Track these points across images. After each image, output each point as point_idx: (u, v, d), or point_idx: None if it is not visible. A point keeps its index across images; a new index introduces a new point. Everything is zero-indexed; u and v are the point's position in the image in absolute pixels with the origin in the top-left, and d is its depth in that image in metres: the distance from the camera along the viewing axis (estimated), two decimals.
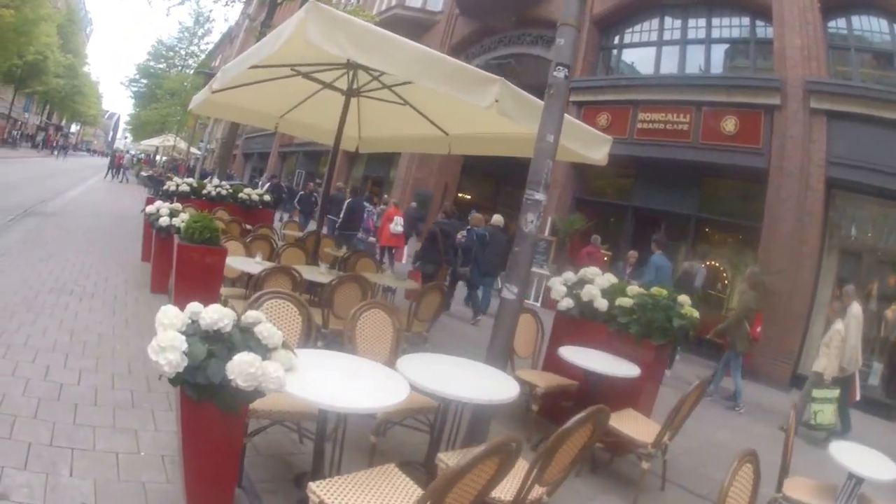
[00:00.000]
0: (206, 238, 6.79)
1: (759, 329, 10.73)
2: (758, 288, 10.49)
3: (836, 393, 8.19)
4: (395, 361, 4.15)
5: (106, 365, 5.81)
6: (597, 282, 6.73)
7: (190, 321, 3.28)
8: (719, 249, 16.01)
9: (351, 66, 7.49)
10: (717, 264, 15.41)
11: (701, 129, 15.39)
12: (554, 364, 6.37)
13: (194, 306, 3.32)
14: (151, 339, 3.06)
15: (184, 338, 3.07)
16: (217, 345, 3.20)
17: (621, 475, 5.75)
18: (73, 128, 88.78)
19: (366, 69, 7.25)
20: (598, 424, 3.46)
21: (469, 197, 26.82)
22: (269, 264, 7.34)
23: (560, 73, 5.04)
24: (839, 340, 8.63)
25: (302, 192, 20.56)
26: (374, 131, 10.61)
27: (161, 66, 51.61)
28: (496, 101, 4.97)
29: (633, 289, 6.49)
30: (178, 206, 9.40)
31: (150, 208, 9.41)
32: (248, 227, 12.08)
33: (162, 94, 47.02)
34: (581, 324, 6.60)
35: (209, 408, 3.17)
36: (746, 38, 16.30)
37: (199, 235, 6.74)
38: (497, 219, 13.72)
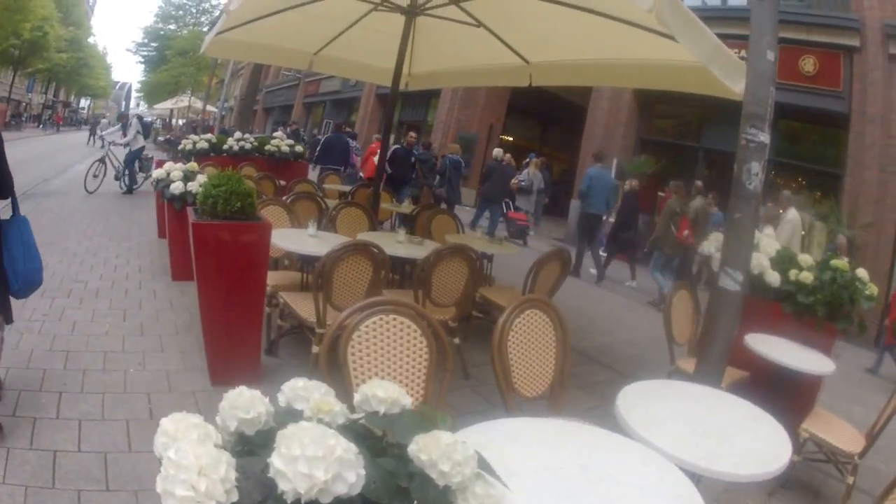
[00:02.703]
0: (235, 209, 4.25)
1: (686, 232, 10.79)
2: (679, 193, 11.05)
3: None
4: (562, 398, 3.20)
5: (115, 407, 3.85)
6: (763, 247, 5.34)
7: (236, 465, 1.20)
8: (798, 196, 14.39)
9: None
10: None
11: (777, 68, 13.82)
12: None
13: (244, 412, 1.34)
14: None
15: None
16: None
17: (804, 483, 4.62)
18: (84, 102, 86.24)
19: None
20: None
21: (511, 139, 25.32)
22: (332, 238, 5.38)
23: None
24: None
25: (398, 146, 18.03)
26: (429, 64, 8.75)
27: (171, 26, 49.54)
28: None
29: (807, 259, 5.26)
30: (193, 164, 7.24)
31: (158, 172, 7.21)
32: (282, 182, 10.04)
33: (172, 55, 44.98)
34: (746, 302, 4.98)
35: None
36: None
37: (224, 206, 4.19)
38: (497, 152, 15.30)
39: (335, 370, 2.44)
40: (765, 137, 3.90)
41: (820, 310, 4.95)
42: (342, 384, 2.44)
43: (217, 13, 47.44)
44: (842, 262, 5.19)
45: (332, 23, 7.43)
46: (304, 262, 5.33)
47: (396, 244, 5.53)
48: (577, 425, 2.47)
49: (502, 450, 1.89)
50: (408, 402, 1.48)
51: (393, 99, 7.83)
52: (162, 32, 50.19)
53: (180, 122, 46.79)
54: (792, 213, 9.12)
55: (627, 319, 9.34)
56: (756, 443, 2.51)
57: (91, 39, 61.92)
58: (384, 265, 4.43)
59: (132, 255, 8.13)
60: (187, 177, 6.86)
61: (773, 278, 5.10)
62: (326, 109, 37.14)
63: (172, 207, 6.84)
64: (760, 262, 5.14)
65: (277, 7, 6.32)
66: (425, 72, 8.87)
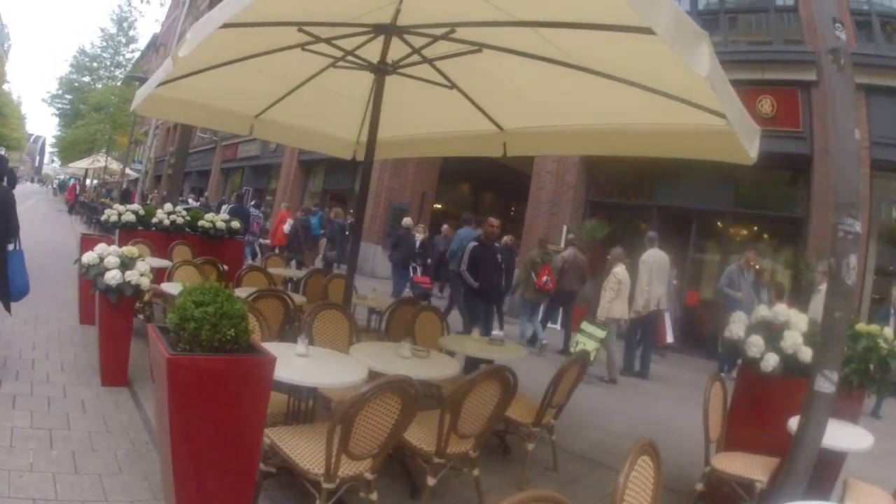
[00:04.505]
0: (227, 338, 3.12)
1: (545, 279, 11.80)
2: (542, 246, 12.67)
3: (602, 333, 9.30)
4: None
5: None
6: (794, 323, 5.11)
7: None
8: (760, 245, 14.40)
9: (384, 30, 5.39)
10: (756, 265, 13.42)
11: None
12: (741, 439, 4.99)
13: None
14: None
15: None
16: None
17: None
18: None
19: (409, 31, 5.35)
20: None
21: (440, 206, 24.65)
22: (328, 357, 4.53)
23: (841, 34, 3.70)
24: (615, 283, 9.67)
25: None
26: (386, 131, 7.54)
27: (85, 78, 47.11)
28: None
29: None
30: (132, 250, 6.06)
31: (89, 257, 5.92)
32: (225, 267, 8.84)
33: (87, 110, 42.59)
34: (778, 383, 4.98)
35: None
36: (765, 6, 14.64)
37: (210, 334, 3.08)
38: (406, 221, 16.30)
39: None
40: (859, 227, 3.61)
41: (855, 379, 4.90)
42: None
43: (129, 67, 45.63)
44: (873, 328, 5.11)
45: (280, 81, 6.62)
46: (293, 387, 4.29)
47: (402, 360, 4.60)
48: None
49: None
50: None
51: (367, 168, 6.87)
52: (76, 84, 47.36)
53: (94, 182, 44.52)
54: (652, 254, 10.27)
55: (603, 406, 8.31)
56: None
57: (6, 87, 58.76)
58: (416, 404, 3.47)
59: (52, 347, 6.91)
60: (125, 263, 5.79)
61: (806, 354, 4.86)
62: (245, 176, 35.46)
63: (105, 298, 5.72)
64: (794, 339, 4.96)
65: (230, 57, 5.52)
66: (381, 139, 7.54)
